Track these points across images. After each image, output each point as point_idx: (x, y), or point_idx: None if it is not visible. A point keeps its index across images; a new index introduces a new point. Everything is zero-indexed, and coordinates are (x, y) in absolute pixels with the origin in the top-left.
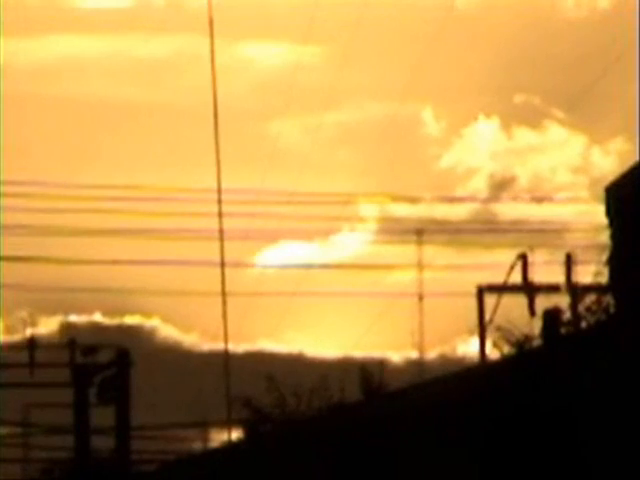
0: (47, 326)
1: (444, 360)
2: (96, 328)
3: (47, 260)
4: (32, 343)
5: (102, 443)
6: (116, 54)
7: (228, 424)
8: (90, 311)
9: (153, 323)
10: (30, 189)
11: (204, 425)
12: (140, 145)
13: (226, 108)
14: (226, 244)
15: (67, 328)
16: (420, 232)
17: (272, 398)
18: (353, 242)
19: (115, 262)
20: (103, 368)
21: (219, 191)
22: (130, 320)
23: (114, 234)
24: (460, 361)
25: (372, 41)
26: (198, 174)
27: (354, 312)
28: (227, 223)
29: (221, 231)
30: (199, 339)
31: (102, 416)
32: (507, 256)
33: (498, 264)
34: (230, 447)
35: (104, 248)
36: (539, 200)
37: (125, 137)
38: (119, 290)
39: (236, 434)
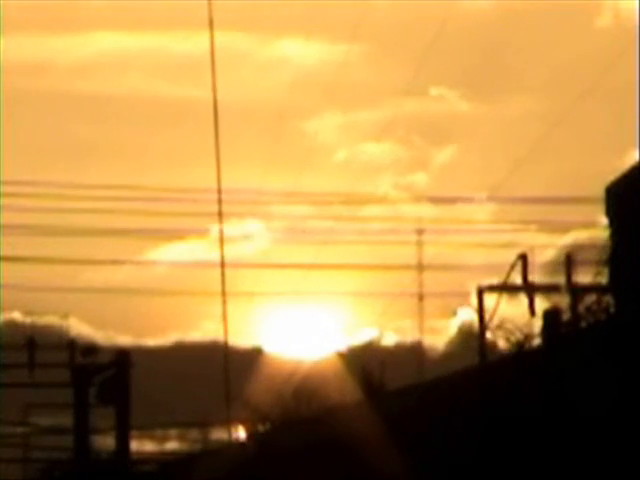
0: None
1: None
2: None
3: (47, 260)
4: (32, 343)
5: (102, 443)
6: (153, 51)
7: (228, 424)
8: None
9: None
10: (30, 189)
11: (204, 425)
12: (164, 142)
13: (265, 105)
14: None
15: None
16: (420, 232)
17: (271, 398)
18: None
19: (115, 262)
20: (103, 369)
21: (219, 191)
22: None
23: (114, 234)
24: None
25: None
26: (204, 173)
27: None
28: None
29: (221, 231)
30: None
31: (102, 416)
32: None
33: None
34: (230, 447)
35: (104, 248)
36: (437, 201)
37: (142, 134)
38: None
39: (237, 434)
